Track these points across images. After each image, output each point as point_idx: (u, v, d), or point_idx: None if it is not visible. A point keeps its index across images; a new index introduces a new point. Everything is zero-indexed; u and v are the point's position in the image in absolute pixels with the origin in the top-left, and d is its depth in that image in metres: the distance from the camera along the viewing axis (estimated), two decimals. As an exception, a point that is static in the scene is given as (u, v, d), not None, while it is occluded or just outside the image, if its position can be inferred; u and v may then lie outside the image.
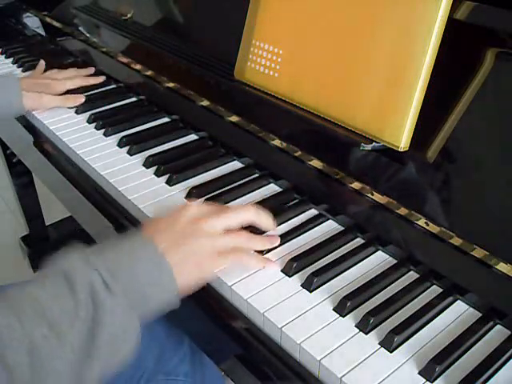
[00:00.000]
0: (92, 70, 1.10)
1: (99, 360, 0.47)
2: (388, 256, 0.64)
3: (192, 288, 0.57)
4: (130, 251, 0.53)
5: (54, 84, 1.01)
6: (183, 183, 0.77)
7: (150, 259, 0.53)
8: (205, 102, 0.87)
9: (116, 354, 0.49)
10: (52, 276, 0.49)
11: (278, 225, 0.68)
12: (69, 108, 0.99)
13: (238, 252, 0.60)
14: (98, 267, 0.49)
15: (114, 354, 0.49)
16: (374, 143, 0.62)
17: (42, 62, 1.10)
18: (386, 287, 0.59)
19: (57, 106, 0.98)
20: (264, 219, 0.64)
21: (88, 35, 1.15)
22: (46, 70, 1.07)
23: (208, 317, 0.63)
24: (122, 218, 0.75)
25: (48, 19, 1.28)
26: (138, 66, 1.01)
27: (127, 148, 0.85)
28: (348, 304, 0.56)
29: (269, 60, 0.73)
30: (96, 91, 1.06)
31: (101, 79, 1.08)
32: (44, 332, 0.44)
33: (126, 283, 0.50)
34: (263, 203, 0.72)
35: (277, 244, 0.65)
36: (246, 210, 0.63)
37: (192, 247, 0.56)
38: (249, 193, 0.75)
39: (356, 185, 0.66)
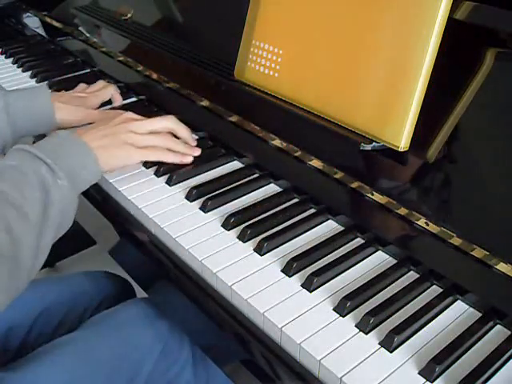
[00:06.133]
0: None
1: (52, 229, 0.61)
2: (388, 256, 0.64)
3: (115, 169, 0.75)
4: (62, 144, 0.68)
5: (90, 97, 0.94)
6: (183, 183, 0.77)
7: (77, 148, 0.68)
8: (205, 102, 0.87)
9: (63, 223, 0.63)
10: (6, 171, 0.61)
11: (278, 224, 0.68)
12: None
13: (158, 149, 0.76)
14: (42, 158, 0.62)
15: (61, 223, 0.63)
16: (373, 143, 0.62)
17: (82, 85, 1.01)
18: (385, 287, 0.59)
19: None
20: (182, 128, 0.80)
21: (88, 35, 1.15)
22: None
23: (208, 317, 0.63)
24: (121, 218, 0.75)
25: (48, 19, 1.28)
26: (138, 66, 1.01)
27: (127, 148, 0.85)
28: (348, 304, 0.56)
29: (269, 60, 0.73)
30: (96, 91, 1.06)
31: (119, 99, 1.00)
32: (14, 214, 0.56)
33: (65, 168, 0.64)
34: (263, 203, 0.72)
35: (197, 153, 0.80)
36: (166, 118, 0.80)
37: (116, 136, 0.73)
38: (249, 193, 0.75)
39: (356, 185, 0.66)
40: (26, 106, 0.83)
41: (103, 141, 0.71)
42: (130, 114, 0.78)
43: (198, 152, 0.80)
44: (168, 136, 0.78)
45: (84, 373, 0.67)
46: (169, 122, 0.79)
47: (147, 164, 0.81)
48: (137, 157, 0.75)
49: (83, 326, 0.74)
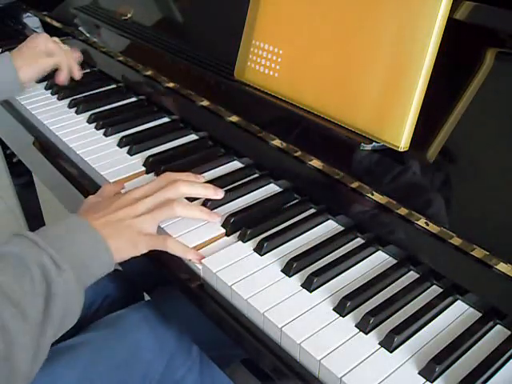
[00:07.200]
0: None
1: (52, 327, 0.53)
2: (388, 256, 0.64)
3: (125, 258, 0.63)
4: (69, 231, 0.60)
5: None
6: (183, 183, 0.77)
7: (87, 236, 0.60)
8: (205, 102, 0.87)
9: (65, 320, 0.56)
10: (6, 260, 0.54)
11: (277, 225, 0.68)
12: (69, 108, 0.99)
13: (162, 207, 0.65)
14: (45, 248, 0.55)
15: (63, 321, 0.55)
16: (374, 143, 0.62)
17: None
18: (385, 287, 0.60)
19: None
20: (196, 188, 0.70)
21: (88, 35, 1.15)
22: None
23: (208, 317, 0.63)
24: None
25: (48, 19, 1.28)
26: (137, 66, 1.01)
27: (127, 148, 0.85)
28: (348, 304, 0.56)
29: (269, 60, 0.73)
30: (96, 91, 1.06)
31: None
32: (11, 311, 0.50)
33: (71, 259, 0.56)
34: (263, 203, 0.72)
35: (221, 196, 0.71)
36: (174, 187, 0.67)
37: (120, 224, 0.63)
38: (249, 193, 0.75)
39: (356, 185, 0.66)
40: None
41: (108, 229, 0.61)
42: (128, 194, 0.66)
43: (220, 194, 0.71)
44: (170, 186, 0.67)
45: (97, 376, 0.67)
46: (179, 190, 0.67)
47: (147, 164, 0.81)
48: (142, 247, 0.63)
49: (89, 328, 0.73)
